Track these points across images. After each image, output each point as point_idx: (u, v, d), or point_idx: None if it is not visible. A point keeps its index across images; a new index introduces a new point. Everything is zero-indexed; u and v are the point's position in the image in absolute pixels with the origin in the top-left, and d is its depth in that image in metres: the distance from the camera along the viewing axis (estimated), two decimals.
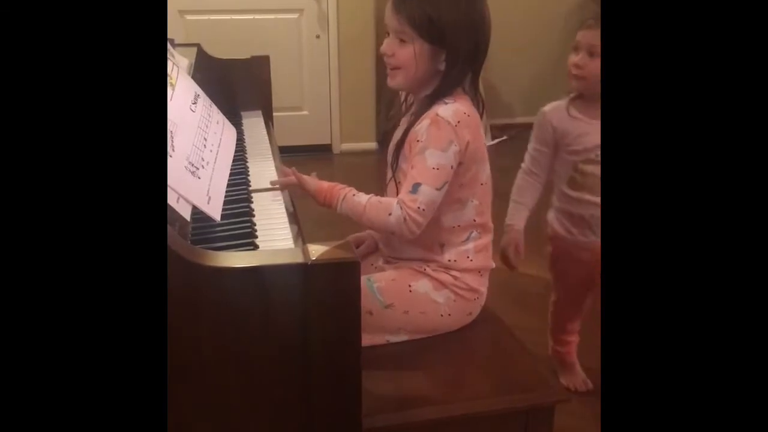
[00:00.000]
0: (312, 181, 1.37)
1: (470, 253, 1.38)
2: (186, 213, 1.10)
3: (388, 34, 1.35)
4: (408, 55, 1.31)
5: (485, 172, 1.38)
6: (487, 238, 1.42)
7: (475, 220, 1.38)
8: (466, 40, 1.30)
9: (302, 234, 1.30)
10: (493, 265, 1.45)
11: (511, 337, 1.40)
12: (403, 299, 1.35)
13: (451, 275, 1.37)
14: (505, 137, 4.29)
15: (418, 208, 1.26)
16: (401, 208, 1.26)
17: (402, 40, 1.31)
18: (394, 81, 1.37)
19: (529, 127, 1.82)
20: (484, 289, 1.42)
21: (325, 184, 1.35)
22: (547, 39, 4.52)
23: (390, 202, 1.28)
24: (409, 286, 1.36)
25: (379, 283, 1.34)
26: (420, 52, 1.30)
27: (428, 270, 1.38)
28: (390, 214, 1.26)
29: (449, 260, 1.37)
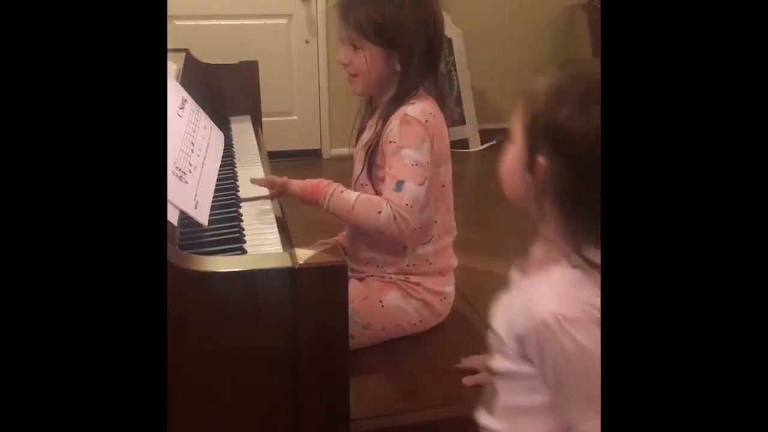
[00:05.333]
0: (295, 181, 1.37)
1: (429, 256, 1.39)
2: (173, 218, 1.10)
3: (343, 43, 1.36)
4: (362, 61, 1.33)
5: (447, 174, 1.39)
6: (447, 240, 1.43)
7: (436, 222, 1.39)
8: (416, 40, 1.31)
9: (290, 238, 1.30)
10: (456, 264, 1.45)
11: None
12: (379, 317, 1.36)
13: (412, 282, 1.38)
14: (494, 141, 4.30)
15: (406, 205, 1.27)
16: (390, 207, 1.26)
17: (355, 47, 1.33)
18: (355, 88, 1.40)
19: None
20: (449, 289, 1.43)
21: (309, 182, 1.35)
22: (536, 43, 4.55)
23: (379, 201, 1.28)
24: (381, 301, 1.36)
25: (352, 305, 1.32)
26: (372, 57, 1.32)
27: (394, 278, 1.39)
28: (380, 213, 1.26)
29: (408, 265, 1.38)
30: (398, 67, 1.33)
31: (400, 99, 1.34)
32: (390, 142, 1.30)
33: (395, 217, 1.26)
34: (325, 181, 1.33)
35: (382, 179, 1.32)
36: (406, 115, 1.30)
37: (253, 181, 1.46)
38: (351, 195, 1.30)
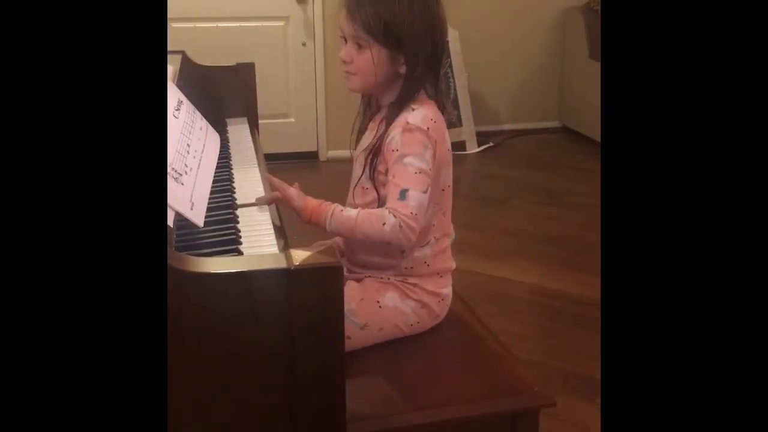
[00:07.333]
0: (298, 197, 1.36)
1: (427, 258, 1.39)
2: (169, 219, 1.10)
3: (345, 40, 1.35)
4: (366, 61, 1.32)
5: (448, 178, 1.39)
6: (446, 242, 1.43)
7: (434, 225, 1.39)
8: (423, 42, 1.31)
9: (287, 240, 1.29)
10: (454, 266, 1.46)
11: (495, 342, 1.41)
12: (376, 317, 1.36)
13: (409, 283, 1.38)
14: (491, 144, 4.31)
15: (411, 213, 1.26)
16: (394, 216, 1.26)
17: (359, 46, 1.32)
18: (351, 84, 1.38)
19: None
20: (447, 291, 1.43)
21: (312, 202, 1.33)
22: (533, 46, 4.55)
23: (382, 212, 1.28)
24: (378, 302, 1.36)
25: (349, 305, 1.31)
26: (378, 57, 1.31)
27: (392, 279, 1.39)
28: (384, 224, 1.26)
29: (406, 267, 1.38)
30: (403, 70, 1.33)
31: (403, 102, 1.33)
32: (393, 150, 1.31)
33: (401, 226, 1.26)
34: (325, 203, 1.33)
35: (384, 184, 1.33)
36: (407, 123, 1.30)
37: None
38: (351, 212, 1.30)
